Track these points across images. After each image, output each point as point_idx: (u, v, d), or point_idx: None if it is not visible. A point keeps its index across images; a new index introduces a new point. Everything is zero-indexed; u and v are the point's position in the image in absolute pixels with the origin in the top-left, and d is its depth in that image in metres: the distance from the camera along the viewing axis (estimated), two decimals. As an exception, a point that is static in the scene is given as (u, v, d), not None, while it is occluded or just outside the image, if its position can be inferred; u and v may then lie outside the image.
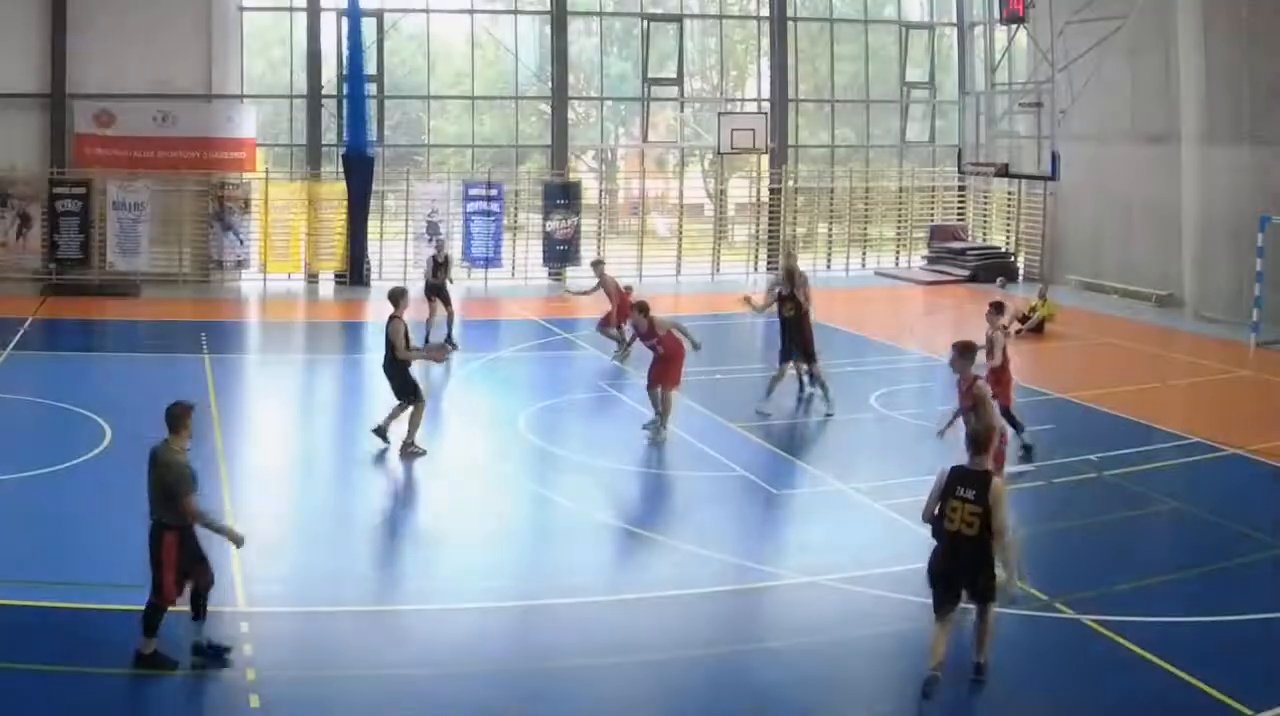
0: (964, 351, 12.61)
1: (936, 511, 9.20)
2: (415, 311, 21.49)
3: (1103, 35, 26.46)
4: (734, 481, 14.51)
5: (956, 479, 9.12)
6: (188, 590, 9.31)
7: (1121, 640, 10.04)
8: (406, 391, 15.31)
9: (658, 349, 16.27)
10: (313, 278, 29.91)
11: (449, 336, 21.39)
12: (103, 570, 11.06)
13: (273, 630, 10.17)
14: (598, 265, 23.23)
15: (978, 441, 9.33)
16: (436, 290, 21.97)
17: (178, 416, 9.43)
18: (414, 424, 15.16)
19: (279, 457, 16.00)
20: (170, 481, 9.15)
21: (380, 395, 19.87)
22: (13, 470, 13.83)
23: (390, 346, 15.27)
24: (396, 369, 15.34)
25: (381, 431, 15.35)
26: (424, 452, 15.04)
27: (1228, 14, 25.45)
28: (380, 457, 15.29)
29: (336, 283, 29.75)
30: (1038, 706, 9.26)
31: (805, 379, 18.06)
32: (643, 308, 16.47)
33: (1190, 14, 26.19)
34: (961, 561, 9.09)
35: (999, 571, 9.16)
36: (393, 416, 15.38)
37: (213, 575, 9.49)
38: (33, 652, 9.33)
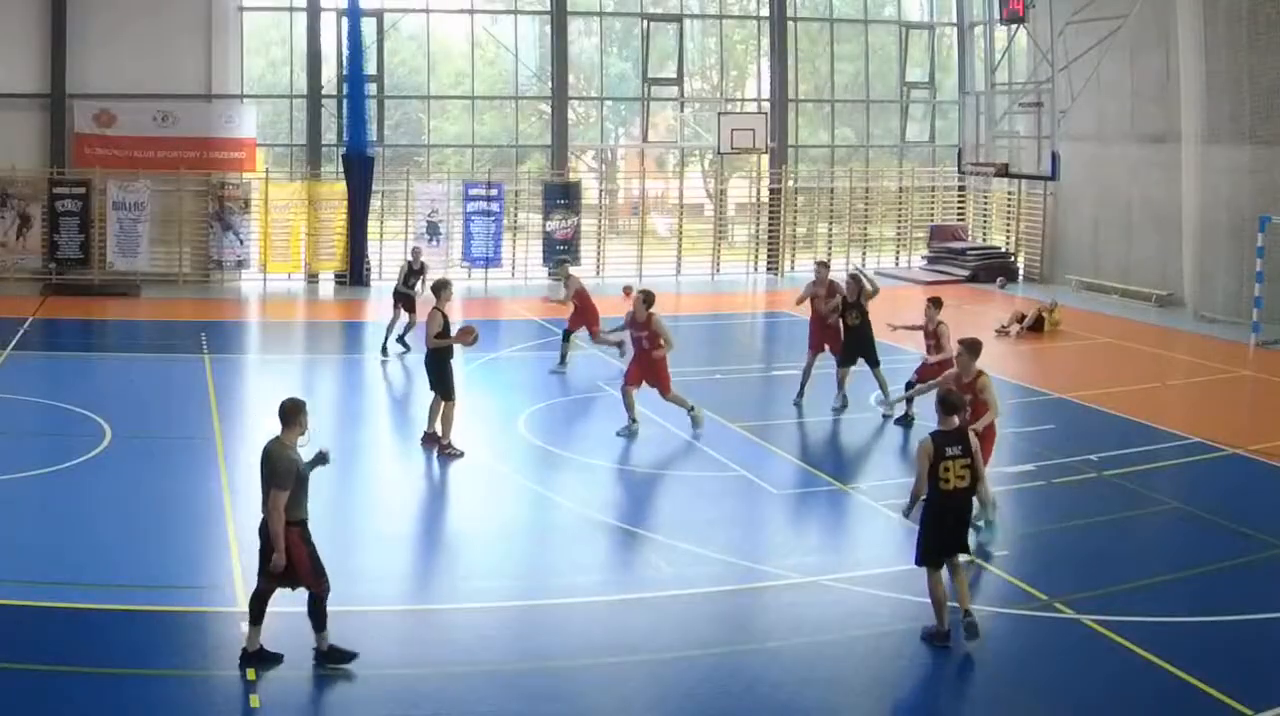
0: (972, 348, 12.74)
1: (932, 477, 9.86)
2: (386, 313, 21.62)
3: (1103, 35, 26.48)
4: (734, 481, 14.51)
5: (942, 442, 9.89)
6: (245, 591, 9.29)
7: (1121, 640, 10.04)
8: (442, 386, 15.27)
9: (644, 343, 16.22)
10: (313, 278, 29.92)
11: (401, 338, 21.34)
12: (103, 570, 11.07)
13: (273, 630, 10.16)
14: (561, 264, 22.67)
15: (948, 403, 10.13)
16: (405, 298, 21.60)
17: (290, 412, 9.41)
18: (446, 424, 15.20)
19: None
20: (275, 470, 9.15)
21: (380, 395, 19.97)
22: (13, 470, 13.83)
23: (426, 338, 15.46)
24: (433, 361, 15.40)
25: (430, 437, 15.41)
26: (461, 454, 15.07)
27: (1228, 14, 25.45)
28: (380, 458, 15.29)
29: (336, 283, 29.76)
30: (1038, 706, 9.26)
31: (840, 385, 17.85)
32: (649, 297, 16.49)
33: (1190, 14, 26.18)
34: (961, 514, 10.01)
35: (976, 507, 10.17)
36: (432, 415, 15.41)
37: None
38: (33, 652, 9.33)
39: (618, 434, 16.09)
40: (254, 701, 8.83)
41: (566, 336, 20.60)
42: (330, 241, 29.69)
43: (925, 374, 16.12)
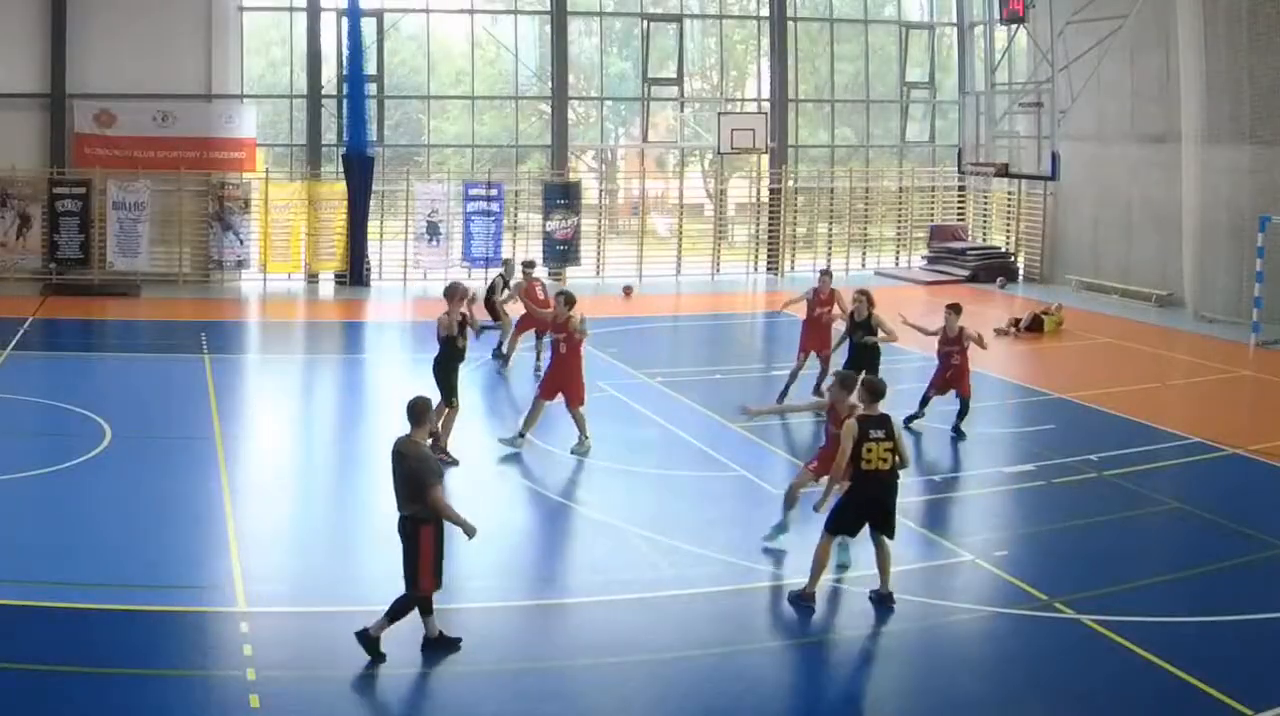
0: (845, 384, 11.81)
1: (854, 458, 10.47)
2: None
3: (1103, 35, 26.48)
4: (734, 481, 14.52)
5: (866, 425, 10.50)
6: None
7: (1121, 640, 10.05)
8: (447, 392, 15.03)
9: (561, 347, 15.52)
10: (313, 278, 29.91)
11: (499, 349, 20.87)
12: (103, 570, 11.07)
13: (273, 630, 10.17)
14: (529, 267, 21.31)
15: (875, 391, 10.76)
16: (492, 308, 21.19)
17: (420, 410, 9.57)
18: (445, 430, 14.91)
19: (279, 457, 15.99)
20: (420, 471, 9.26)
21: (380, 395, 19.94)
22: (13, 470, 13.83)
23: (441, 342, 15.06)
24: (440, 367, 15.12)
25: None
26: (456, 462, 14.61)
27: (1228, 14, 25.45)
28: (380, 458, 15.24)
29: (336, 283, 29.75)
30: (1038, 706, 9.27)
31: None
32: (569, 299, 15.69)
33: (1190, 14, 26.18)
34: (881, 494, 10.60)
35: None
36: (445, 427, 14.98)
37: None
38: (33, 652, 9.33)
39: (502, 440, 15.41)
40: (254, 701, 8.83)
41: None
42: (330, 241, 29.68)
43: (943, 382, 16.30)
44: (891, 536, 10.78)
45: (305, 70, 30.26)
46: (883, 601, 10.73)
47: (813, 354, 18.03)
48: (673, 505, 13.91)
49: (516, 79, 32.79)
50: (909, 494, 13.91)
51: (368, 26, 29.85)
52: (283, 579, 11.33)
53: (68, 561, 11.28)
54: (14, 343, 21.22)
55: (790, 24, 33.47)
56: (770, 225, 33.40)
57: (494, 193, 30.65)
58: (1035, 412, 18.01)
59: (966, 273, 32.08)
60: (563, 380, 15.42)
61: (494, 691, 9.29)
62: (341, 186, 29.54)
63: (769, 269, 33.43)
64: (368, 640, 9.45)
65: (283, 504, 13.79)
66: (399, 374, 20.74)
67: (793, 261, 33.63)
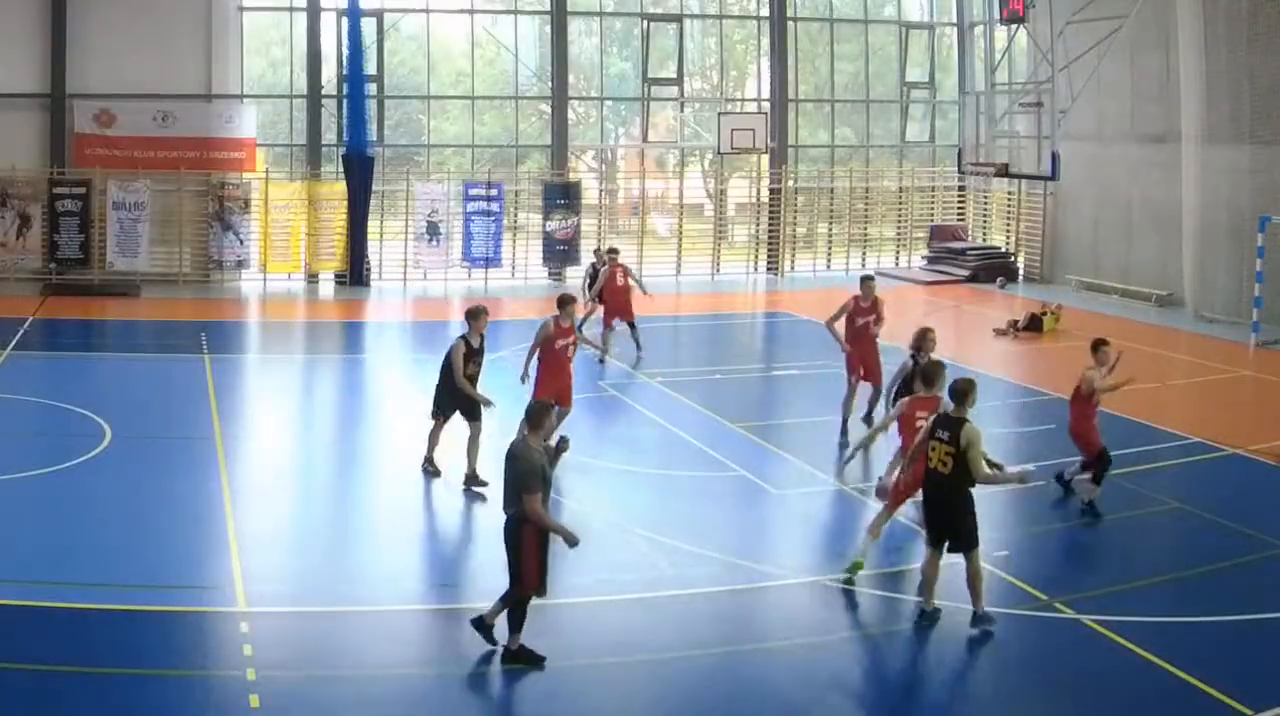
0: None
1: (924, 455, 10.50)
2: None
3: (1103, 35, 26.47)
4: (734, 481, 14.52)
5: (937, 423, 10.42)
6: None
7: (1121, 640, 10.05)
8: (439, 402, 14.24)
9: (570, 351, 15.05)
10: (313, 278, 29.91)
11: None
12: (103, 570, 11.07)
13: (273, 630, 10.17)
14: (613, 253, 21.54)
15: (954, 391, 10.50)
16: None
17: (538, 414, 9.62)
18: (433, 441, 14.39)
19: (279, 457, 15.99)
20: (521, 473, 9.29)
21: (379, 395, 19.95)
22: (13, 470, 13.83)
23: (447, 368, 14.10)
24: (441, 386, 14.24)
25: (472, 479, 14.07)
26: (438, 473, 14.29)
27: (1228, 14, 25.45)
28: (380, 458, 15.28)
29: (336, 283, 29.75)
30: (1038, 706, 9.27)
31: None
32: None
33: (1190, 14, 26.18)
34: (934, 494, 10.34)
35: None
36: (471, 450, 14.12)
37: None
38: (33, 652, 9.33)
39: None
40: (254, 701, 8.83)
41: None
42: (330, 241, 29.68)
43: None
44: (963, 551, 10.23)
45: (305, 70, 30.26)
46: (976, 622, 10.22)
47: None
48: (673, 505, 13.91)
49: (516, 79, 32.79)
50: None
51: (368, 26, 29.85)
52: (283, 579, 11.33)
53: (68, 561, 11.28)
54: (14, 343, 21.22)
55: (790, 24, 33.47)
56: (770, 225, 33.40)
57: (494, 193, 30.64)
58: (1035, 412, 18.02)
59: (966, 273, 32.08)
60: (563, 384, 14.90)
61: (494, 691, 9.29)
62: (341, 186, 29.54)
63: (769, 269, 33.43)
64: (514, 655, 9.54)
65: (283, 504, 13.79)
66: (399, 374, 20.74)
67: (793, 261, 33.63)
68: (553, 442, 10.16)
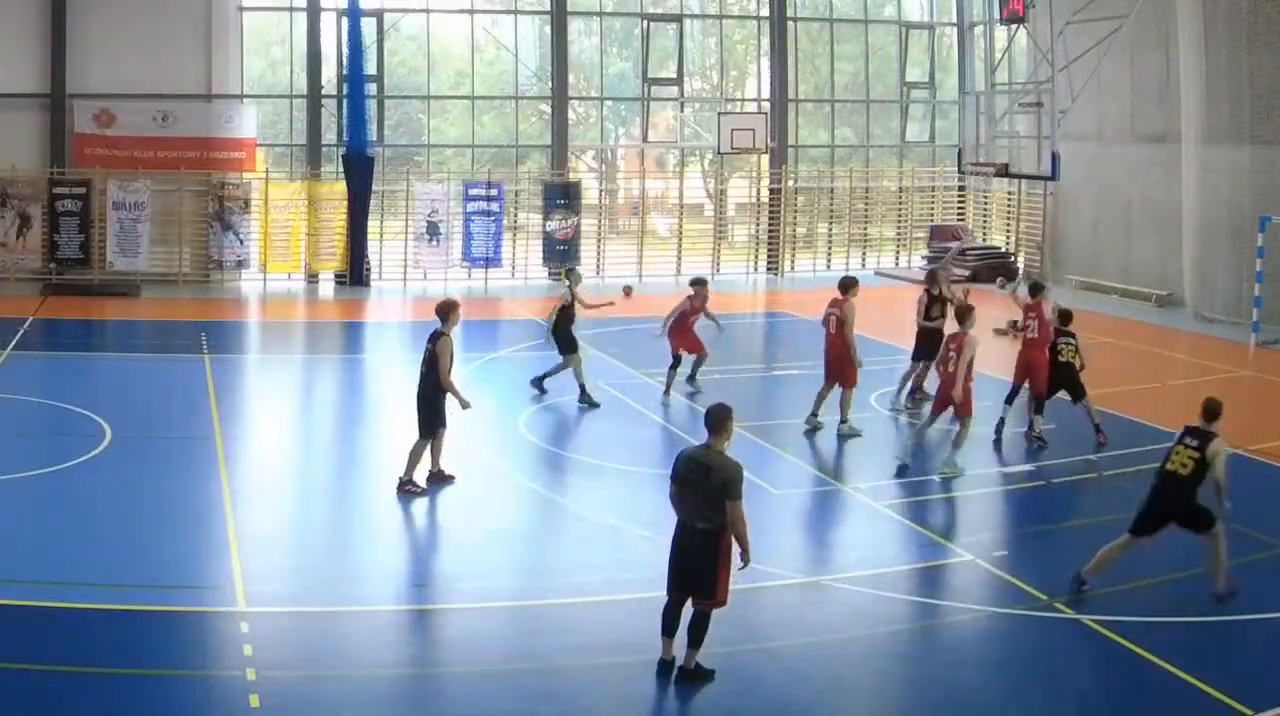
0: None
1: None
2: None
3: (1103, 35, 26.46)
4: (734, 481, 14.47)
5: (1186, 431, 11.09)
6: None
7: (1121, 640, 10.04)
8: (433, 425, 13.77)
9: None
10: (313, 278, 29.92)
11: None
12: (103, 570, 11.07)
13: (272, 630, 10.16)
14: (699, 284, 19.07)
15: (1210, 410, 11.09)
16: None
17: (720, 419, 9.47)
18: (415, 458, 13.79)
19: (279, 457, 15.99)
20: (729, 481, 9.12)
21: (379, 395, 19.93)
22: (13, 470, 13.83)
23: (430, 368, 13.70)
24: (429, 396, 13.76)
25: (438, 474, 14.02)
26: (423, 491, 13.82)
27: (1228, 14, 25.45)
28: (380, 458, 15.25)
29: (336, 283, 29.75)
30: (1038, 706, 9.26)
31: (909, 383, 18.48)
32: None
33: (1190, 14, 26.19)
34: (1171, 497, 10.87)
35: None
36: (435, 454, 14.00)
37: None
38: (33, 652, 9.33)
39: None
40: (254, 701, 8.83)
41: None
42: (330, 241, 29.69)
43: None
44: (1201, 531, 10.91)
45: (305, 70, 30.27)
46: (1220, 601, 10.79)
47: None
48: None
49: (516, 79, 32.80)
50: (908, 493, 13.96)
51: (368, 26, 29.86)
52: (283, 579, 11.32)
53: (68, 561, 11.28)
54: (14, 343, 21.22)
55: (790, 24, 33.48)
56: (770, 225, 33.40)
57: (494, 193, 30.65)
58: (1035, 412, 17.98)
59: (967, 272, 32.04)
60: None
61: (494, 691, 9.28)
62: (341, 186, 29.55)
63: (769, 269, 33.43)
64: (689, 673, 9.29)
65: (283, 504, 13.78)
66: (399, 374, 20.71)
67: (793, 261, 33.64)
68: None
